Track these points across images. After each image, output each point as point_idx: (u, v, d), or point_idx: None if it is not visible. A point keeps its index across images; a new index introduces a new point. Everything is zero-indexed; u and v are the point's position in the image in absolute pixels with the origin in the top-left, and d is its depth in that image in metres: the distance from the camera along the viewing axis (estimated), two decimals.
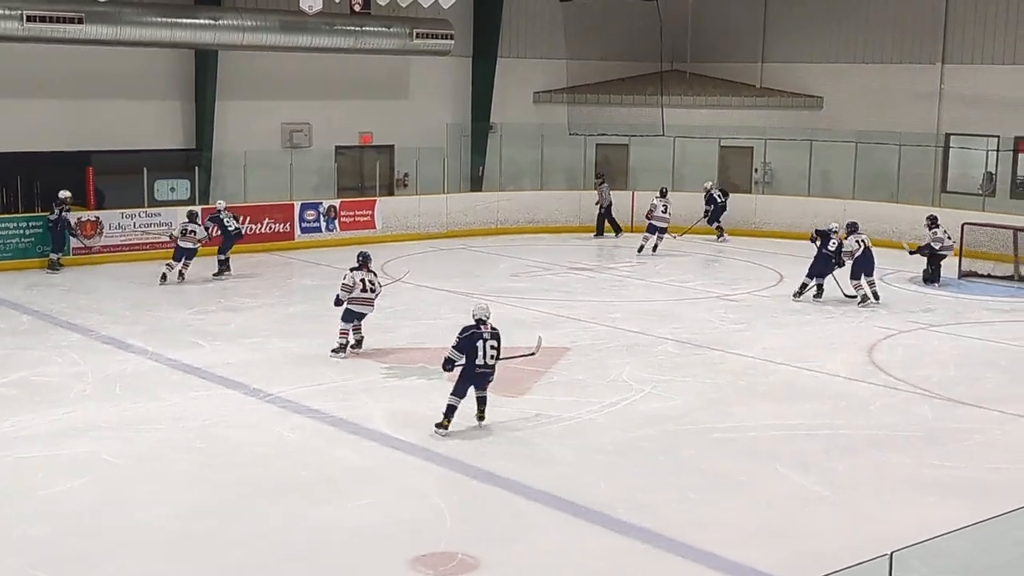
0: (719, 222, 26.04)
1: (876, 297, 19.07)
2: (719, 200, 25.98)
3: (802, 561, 9.00)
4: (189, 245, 19.88)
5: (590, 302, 19.15)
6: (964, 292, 20.43)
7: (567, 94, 29.27)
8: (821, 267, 19.21)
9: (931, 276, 20.92)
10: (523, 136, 27.94)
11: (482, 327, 11.96)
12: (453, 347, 12.03)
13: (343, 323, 15.09)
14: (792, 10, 29.12)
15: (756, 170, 28.53)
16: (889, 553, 5.68)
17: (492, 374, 12.09)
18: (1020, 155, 26.03)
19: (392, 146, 27.22)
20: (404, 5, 24.26)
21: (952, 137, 27.18)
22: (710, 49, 30.40)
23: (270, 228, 23.77)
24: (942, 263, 21.01)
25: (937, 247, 20.81)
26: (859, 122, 27.20)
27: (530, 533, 9.66)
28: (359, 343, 15.26)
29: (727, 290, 20.39)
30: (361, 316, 15.19)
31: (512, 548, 9.35)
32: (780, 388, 14.11)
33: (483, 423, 12.21)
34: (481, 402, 12.22)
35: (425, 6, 24.55)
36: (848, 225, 19.45)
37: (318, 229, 24.48)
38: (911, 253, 21.01)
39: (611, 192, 26.61)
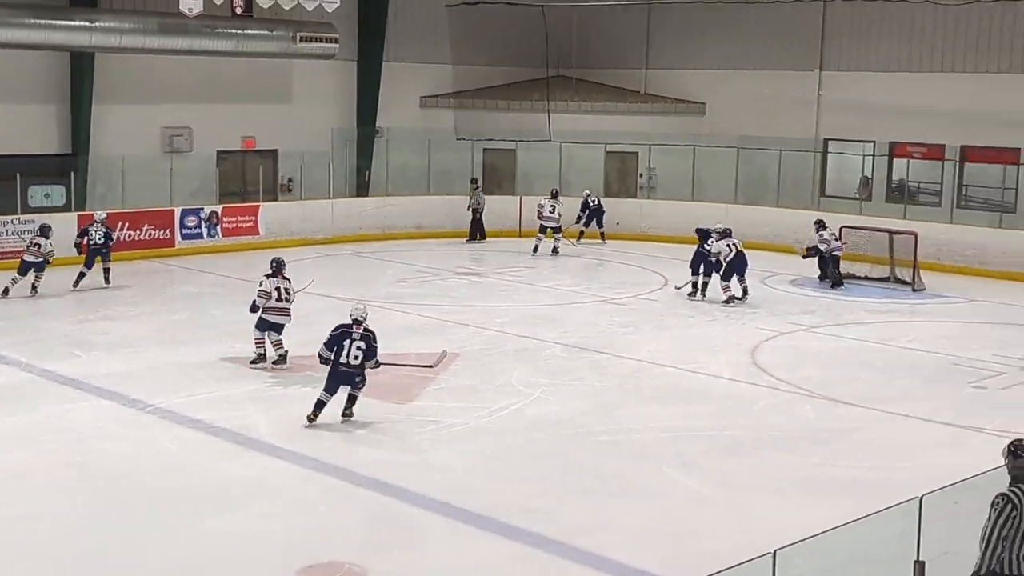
0: (602, 227, 26.28)
1: (745, 293, 19.63)
2: (592, 205, 26.19)
3: (688, 561, 9.08)
4: (32, 259, 18.92)
5: (478, 307, 19.13)
6: (842, 294, 20.94)
7: (454, 99, 29.27)
8: (699, 263, 19.87)
9: (836, 279, 21.48)
10: (409, 141, 27.80)
11: (354, 328, 12.20)
12: (324, 343, 12.31)
13: (257, 332, 14.60)
14: (675, 17, 29.53)
15: (641, 175, 28.87)
16: (772, 552, 5.74)
17: (358, 375, 12.25)
18: (895, 160, 26.82)
19: (276, 151, 26.85)
20: (287, 8, 23.99)
21: (830, 142, 27.87)
22: (595, 55, 30.70)
23: (149, 235, 23.20)
24: (839, 266, 21.61)
25: (824, 248, 21.41)
26: (741, 128, 27.71)
27: (419, 541, 9.58)
28: (283, 358, 14.63)
29: (613, 294, 20.56)
30: (278, 327, 14.62)
31: (400, 557, 9.25)
32: (666, 390, 14.26)
33: (345, 420, 12.30)
34: (350, 400, 12.35)
35: (309, 9, 24.30)
36: (721, 231, 19.91)
37: (199, 235, 24.00)
38: (804, 257, 21.64)
39: (485, 197, 26.49)
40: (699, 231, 20.14)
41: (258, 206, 25.17)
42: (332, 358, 12.19)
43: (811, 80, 27.72)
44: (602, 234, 26.24)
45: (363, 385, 12.32)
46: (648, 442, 12.20)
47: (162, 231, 23.45)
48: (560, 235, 24.66)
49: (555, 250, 24.52)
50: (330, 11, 24.56)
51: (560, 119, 27.86)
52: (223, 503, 10.23)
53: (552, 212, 24.58)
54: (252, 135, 26.44)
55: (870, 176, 27.21)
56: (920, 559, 6.48)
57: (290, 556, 9.05)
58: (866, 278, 21.90)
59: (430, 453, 11.71)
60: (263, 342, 14.59)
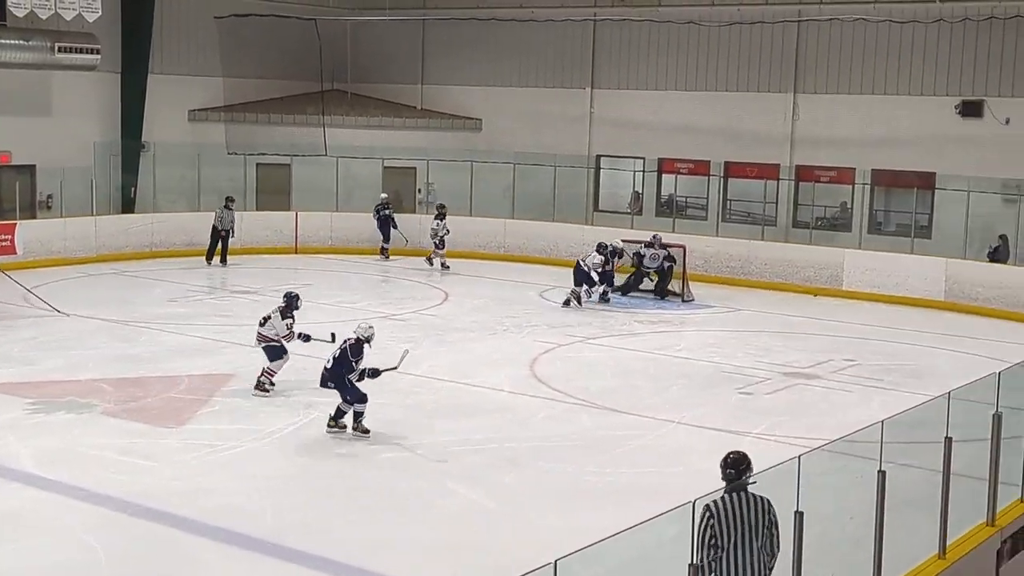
0: (388, 243, 26.28)
1: (576, 300, 20.98)
2: (385, 213, 26.29)
3: (474, 574, 9.05)
4: None
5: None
6: (617, 307, 21.47)
7: (224, 112, 28.52)
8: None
9: (661, 291, 22.36)
10: (178, 155, 26.92)
11: (349, 340, 12.83)
12: None
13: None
14: (449, 34, 29.72)
15: (419, 190, 28.90)
16: (554, 561, 5.75)
17: (330, 380, 12.67)
18: (664, 175, 27.74)
19: (34, 166, 25.46)
20: (44, 17, 22.87)
21: (602, 159, 28.60)
22: (371, 70, 30.57)
23: None
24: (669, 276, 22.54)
25: (654, 265, 22.35)
26: (516, 144, 28.13)
27: (194, 569, 9.20)
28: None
29: (394, 309, 20.43)
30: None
31: None
32: (447, 405, 14.24)
33: (356, 435, 12.59)
34: (354, 417, 12.67)
35: (68, 19, 23.25)
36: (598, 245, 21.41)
37: None
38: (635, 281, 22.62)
39: (236, 214, 25.51)
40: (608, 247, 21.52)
41: (15, 224, 23.81)
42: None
43: (583, 98, 28.39)
44: (383, 248, 26.26)
45: (349, 399, 12.59)
46: (430, 457, 12.13)
47: None
48: (439, 250, 25.04)
49: (433, 261, 25.14)
50: (91, 20, 23.57)
51: (336, 134, 27.62)
52: None
53: (430, 229, 25.34)
54: (7, 149, 25.00)
55: (641, 191, 28.06)
56: (693, 562, 6.66)
57: None
58: (639, 289, 22.52)
59: (204, 478, 11.29)
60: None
